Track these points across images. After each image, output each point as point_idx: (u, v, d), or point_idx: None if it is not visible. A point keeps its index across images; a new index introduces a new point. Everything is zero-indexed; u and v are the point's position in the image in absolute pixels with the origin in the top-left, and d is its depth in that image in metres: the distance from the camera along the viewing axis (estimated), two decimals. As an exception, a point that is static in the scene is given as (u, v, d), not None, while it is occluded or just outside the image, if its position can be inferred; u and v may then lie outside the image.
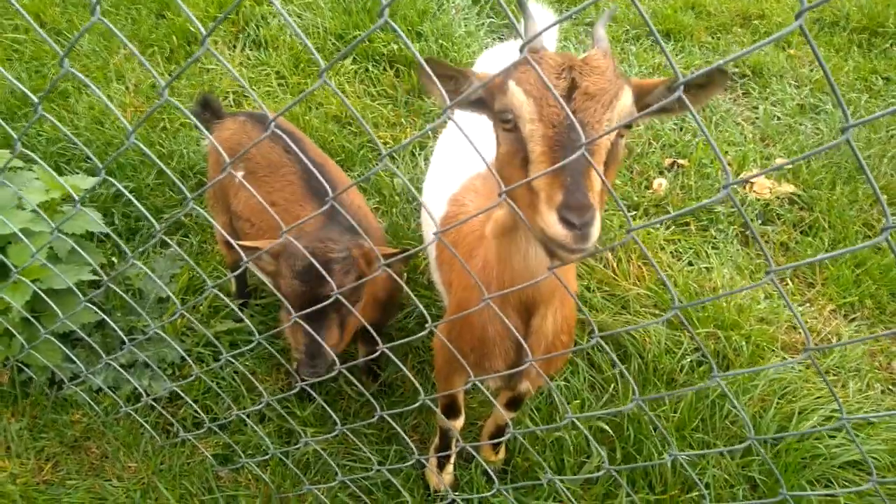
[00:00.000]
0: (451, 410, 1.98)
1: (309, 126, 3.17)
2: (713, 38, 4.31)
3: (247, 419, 1.97)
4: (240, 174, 2.17)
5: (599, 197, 1.08)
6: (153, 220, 1.47)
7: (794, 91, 3.87)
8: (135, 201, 1.37)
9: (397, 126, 3.33)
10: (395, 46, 3.66)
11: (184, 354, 1.83)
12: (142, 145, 1.23)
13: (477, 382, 1.48)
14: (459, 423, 2.02)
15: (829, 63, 4.08)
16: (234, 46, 3.73)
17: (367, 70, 3.60)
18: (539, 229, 1.11)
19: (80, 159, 2.94)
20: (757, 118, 3.66)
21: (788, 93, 3.84)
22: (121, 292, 1.76)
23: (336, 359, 1.49)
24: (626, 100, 1.14)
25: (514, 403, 2.00)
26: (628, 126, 1.15)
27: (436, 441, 2.10)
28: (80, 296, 1.78)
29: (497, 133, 1.26)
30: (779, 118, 3.64)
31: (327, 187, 1.20)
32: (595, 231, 1.05)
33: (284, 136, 1.43)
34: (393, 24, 0.92)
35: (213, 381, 2.27)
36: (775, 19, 4.46)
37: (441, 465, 2.09)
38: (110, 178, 1.41)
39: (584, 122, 1.10)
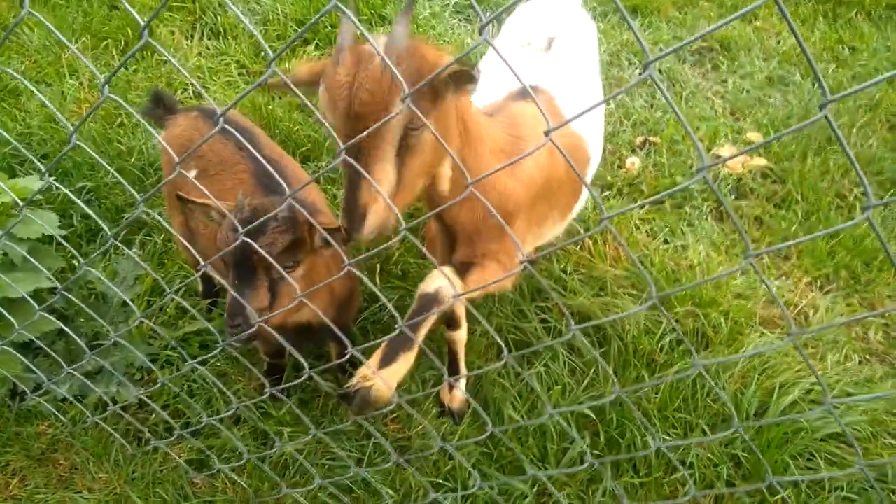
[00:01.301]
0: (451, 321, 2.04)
1: (272, 116, 3.07)
2: (680, 12, 4.27)
3: (219, 424, 1.91)
4: (192, 173, 2.08)
5: (392, 187, 1.23)
6: (106, 228, 1.39)
7: (763, 64, 3.85)
8: (84, 206, 1.29)
9: (364, 113, 3.25)
10: (358, 32, 3.56)
11: (146, 361, 1.75)
12: (85, 146, 1.15)
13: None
14: (459, 334, 2.09)
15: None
16: (192, 36, 3.60)
17: (331, 55, 3.50)
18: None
19: (31, 162, 2.82)
20: (726, 92, 3.64)
21: (757, 66, 3.83)
22: (78, 301, 1.67)
23: (254, 327, 1.46)
24: (398, 109, 1.18)
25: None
26: (416, 128, 1.24)
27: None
28: (35, 305, 1.70)
29: None
30: (748, 91, 3.63)
31: (283, 184, 1.13)
32: (367, 232, 1.25)
33: (235, 132, 1.36)
34: (343, 8, 0.86)
35: (184, 385, 2.19)
36: (745, -9, 4.44)
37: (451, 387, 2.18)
38: (55, 183, 1.33)
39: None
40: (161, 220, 1.34)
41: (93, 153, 1.16)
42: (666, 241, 2.77)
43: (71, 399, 2.09)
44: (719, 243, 2.78)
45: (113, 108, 3.11)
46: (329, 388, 1.98)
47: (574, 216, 2.10)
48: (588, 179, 2.14)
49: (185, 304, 1.76)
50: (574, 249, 2.59)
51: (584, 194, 2.07)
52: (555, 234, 2.08)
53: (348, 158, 1.10)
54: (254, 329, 1.47)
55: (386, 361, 1.36)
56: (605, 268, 2.52)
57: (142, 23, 0.92)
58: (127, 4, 1.00)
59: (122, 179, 1.19)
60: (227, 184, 2.06)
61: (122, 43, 3.46)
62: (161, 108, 2.23)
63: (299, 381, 1.51)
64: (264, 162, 1.18)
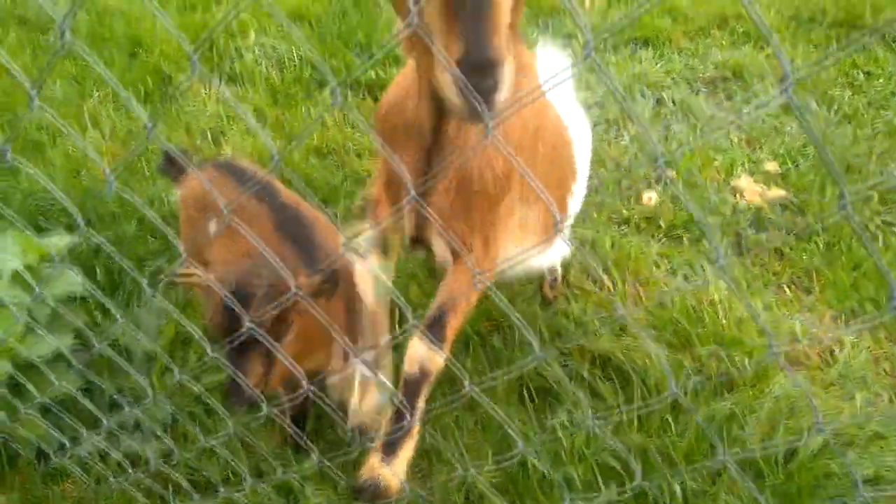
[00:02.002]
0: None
1: (289, 161, 3.11)
2: (691, 42, 4.29)
3: (244, 478, 1.91)
4: (212, 225, 2.12)
5: (512, 33, 0.92)
6: (145, 284, 1.41)
7: (777, 92, 3.84)
8: (120, 260, 1.31)
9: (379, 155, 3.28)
10: (373, 73, 3.61)
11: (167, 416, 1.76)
12: (124, 193, 1.17)
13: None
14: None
15: (810, 58, 4.07)
16: (210, 82, 3.68)
17: (346, 98, 3.55)
18: (435, 82, 0.95)
19: (58, 213, 2.88)
20: (741, 122, 3.64)
21: (771, 94, 3.83)
22: (111, 350, 1.69)
23: (258, 396, 1.46)
24: None
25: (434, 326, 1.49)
26: None
27: None
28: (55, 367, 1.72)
29: None
30: (763, 120, 3.61)
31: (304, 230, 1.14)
32: (502, 95, 0.88)
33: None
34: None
35: (206, 439, 2.20)
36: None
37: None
38: (91, 232, 1.35)
39: None
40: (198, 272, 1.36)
41: (134, 199, 1.18)
42: (686, 278, 2.75)
43: (92, 459, 2.10)
44: (740, 278, 2.76)
45: (135, 158, 3.17)
46: (341, 477, 1.97)
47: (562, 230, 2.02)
48: (577, 202, 2.10)
49: (210, 351, 1.77)
50: (593, 289, 2.58)
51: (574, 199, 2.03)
52: (537, 250, 1.87)
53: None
54: (255, 399, 1.48)
55: (388, 452, 1.35)
56: (626, 309, 2.51)
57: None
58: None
59: (160, 224, 1.21)
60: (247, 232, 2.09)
61: (143, 92, 3.54)
62: (175, 167, 2.27)
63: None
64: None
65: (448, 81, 0.89)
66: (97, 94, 3.52)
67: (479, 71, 0.84)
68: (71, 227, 2.79)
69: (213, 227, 2.14)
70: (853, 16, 4.34)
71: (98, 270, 2.66)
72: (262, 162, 3.11)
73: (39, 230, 2.78)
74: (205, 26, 3.96)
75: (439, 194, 1.39)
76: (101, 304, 2.58)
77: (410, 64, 1.42)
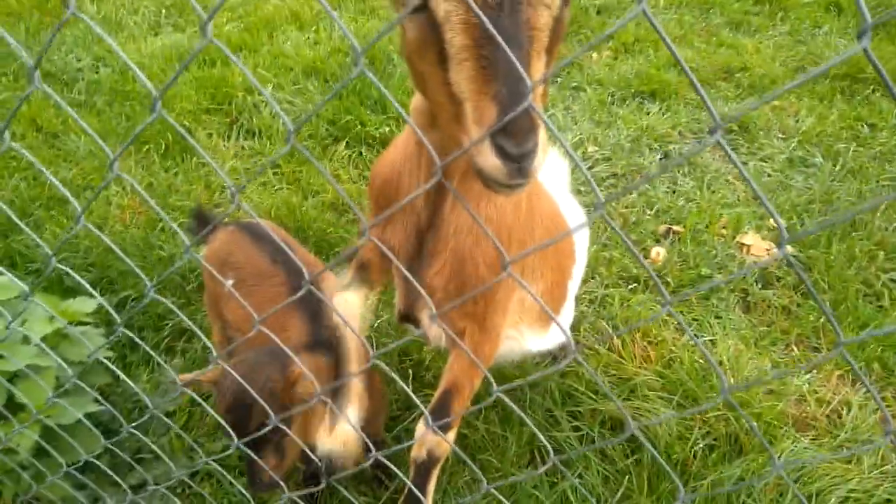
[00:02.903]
0: (363, 272, 1.65)
1: (306, 217, 3.19)
2: (697, 94, 4.37)
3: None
4: (229, 281, 2.19)
5: (542, 99, 0.90)
6: (159, 359, 1.48)
7: (783, 144, 3.92)
8: (131, 334, 1.38)
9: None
10: (387, 128, 3.71)
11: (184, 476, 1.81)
12: (124, 257, 1.23)
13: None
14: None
15: (814, 112, 4.15)
16: (229, 137, 3.79)
17: (360, 154, 3.65)
18: (468, 154, 0.88)
19: (81, 268, 2.96)
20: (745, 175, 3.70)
21: (776, 146, 3.90)
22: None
23: (279, 481, 1.54)
24: None
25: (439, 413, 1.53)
26: None
27: None
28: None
29: (404, 21, 0.98)
30: (769, 175, 3.68)
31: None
32: (538, 162, 0.84)
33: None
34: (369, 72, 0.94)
35: (223, 499, 2.25)
36: (757, 71, 4.54)
37: None
38: (106, 305, 1.42)
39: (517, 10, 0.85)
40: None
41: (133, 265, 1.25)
42: (695, 335, 2.79)
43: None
44: (748, 337, 2.80)
45: (155, 214, 3.26)
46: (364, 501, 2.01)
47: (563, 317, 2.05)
48: (575, 286, 2.14)
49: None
50: (603, 351, 2.62)
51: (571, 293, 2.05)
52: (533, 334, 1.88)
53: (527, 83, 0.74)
54: (276, 484, 1.55)
55: None
56: (635, 369, 2.55)
57: (180, 128, 1.01)
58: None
59: (173, 308, 1.27)
60: (264, 296, 2.16)
61: (163, 147, 3.65)
62: (202, 225, 2.35)
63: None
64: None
65: (484, 147, 0.83)
66: (119, 149, 3.63)
67: (518, 134, 0.81)
68: (95, 283, 2.88)
69: (229, 283, 2.22)
70: (857, 69, 4.43)
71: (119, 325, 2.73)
72: (280, 216, 3.20)
73: (63, 286, 2.87)
74: (223, 80, 4.09)
75: (434, 276, 1.41)
76: (123, 357, 2.65)
77: (406, 137, 1.44)
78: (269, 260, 2.11)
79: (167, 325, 2.72)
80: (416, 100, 1.21)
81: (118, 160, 0.98)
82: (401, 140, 1.48)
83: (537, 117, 0.82)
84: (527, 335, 1.80)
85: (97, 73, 4.28)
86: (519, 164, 0.82)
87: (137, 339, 1.43)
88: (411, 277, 1.07)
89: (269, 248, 2.13)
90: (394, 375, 1.18)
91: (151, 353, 1.52)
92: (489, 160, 0.84)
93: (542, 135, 0.83)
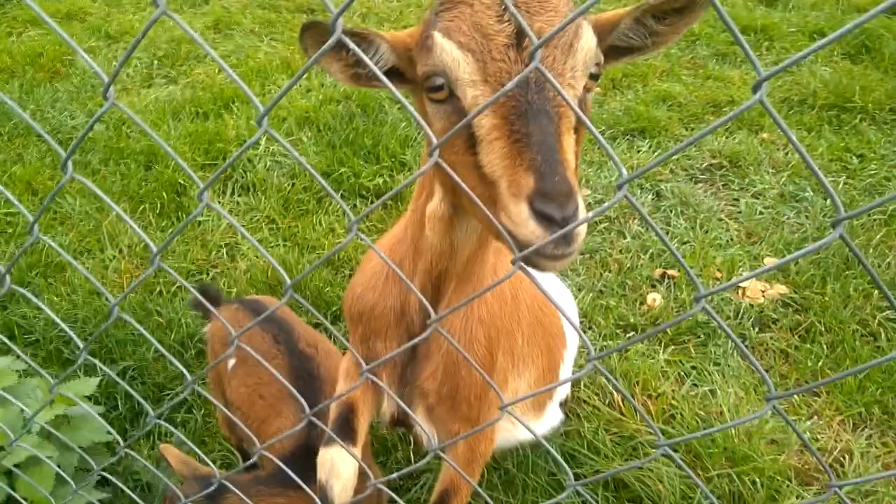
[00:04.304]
0: (344, 424, 1.51)
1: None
2: (687, 129, 4.42)
3: None
4: (231, 361, 2.20)
5: (575, 178, 0.85)
6: (150, 409, 1.47)
7: (773, 179, 3.95)
8: (131, 391, 1.38)
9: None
10: (381, 180, 3.74)
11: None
12: (128, 317, 1.24)
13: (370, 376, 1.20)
14: (353, 452, 1.42)
15: (804, 143, 4.18)
16: (224, 193, 3.81)
17: (355, 206, 3.67)
18: (505, 230, 0.83)
19: (80, 338, 2.95)
20: (739, 213, 3.73)
21: (767, 181, 3.93)
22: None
23: None
24: (588, 39, 0.90)
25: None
26: (596, 77, 0.94)
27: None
28: None
29: (426, 108, 0.98)
30: (761, 212, 3.70)
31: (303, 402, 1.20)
32: (583, 228, 0.81)
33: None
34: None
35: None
36: (745, 103, 4.57)
37: None
38: (107, 371, 1.42)
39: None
40: (207, 395, 1.42)
41: (136, 325, 1.25)
42: (695, 385, 2.80)
43: None
44: (748, 385, 2.80)
45: (151, 277, 3.27)
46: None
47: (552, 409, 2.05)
48: (567, 369, 2.12)
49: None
50: (603, 407, 2.63)
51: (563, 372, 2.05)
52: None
53: (557, 142, 0.77)
54: None
55: None
56: (636, 425, 2.55)
57: (200, 185, 1.01)
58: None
59: (174, 360, 1.28)
60: (263, 376, 2.16)
61: (158, 206, 3.67)
62: (207, 301, 2.37)
63: None
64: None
65: (523, 216, 0.79)
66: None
67: (558, 197, 0.77)
68: (94, 354, 2.88)
69: (231, 363, 2.23)
70: (843, 98, 4.48)
71: (119, 398, 2.73)
72: (276, 275, 3.21)
73: (61, 358, 2.87)
74: (217, 134, 4.12)
75: (426, 379, 1.41)
76: (124, 432, 2.65)
77: (393, 246, 1.40)
78: (271, 340, 2.11)
79: (167, 395, 2.72)
80: (432, 205, 1.18)
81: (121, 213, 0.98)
82: (375, 263, 1.48)
83: (575, 182, 0.81)
84: (521, 425, 1.80)
85: (91, 130, 4.30)
86: (562, 228, 0.78)
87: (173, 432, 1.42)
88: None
89: (271, 327, 2.14)
90: (395, 497, 1.18)
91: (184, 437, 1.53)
92: (531, 228, 0.79)
93: (582, 204, 0.80)
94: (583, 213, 0.80)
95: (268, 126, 0.79)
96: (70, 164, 1.07)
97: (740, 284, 3.25)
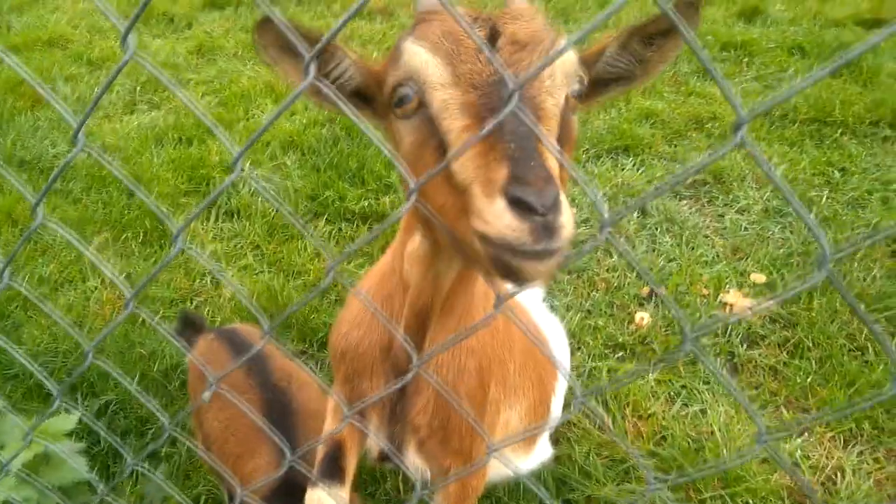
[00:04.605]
0: (332, 463, 1.48)
1: (289, 301, 3.17)
2: (670, 146, 4.44)
3: None
4: (206, 394, 2.15)
5: (556, 175, 0.74)
6: (127, 454, 1.44)
7: (757, 194, 3.97)
8: (109, 436, 1.34)
9: (376, 287, 3.34)
10: (366, 203, 3.72)
11: None
12: (103, 363, 1.21)
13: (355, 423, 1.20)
14: (341, 495, 1.44)
15: (786, 158, 4.21)
16: (207, 219, 3.77)
17: (340, 230, 3.65)
18: (479, 236, 0.73)
19: (61, 371, 2.91)
20: (724, 229, 3.74)
21: (752, 196, 3.94)
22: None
23: None
24: (567, 55, 0.86)
25: None
26: (578, 95, 0.89)
27: None
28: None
29: (394, 128, 0.92)
30: (746, 228, 3.72)
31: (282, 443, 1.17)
32: (567, 220, 0.70)
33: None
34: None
35: None
36: (727, 119, 4.62)
37: None
38: (86, 416, 1.39)
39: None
40: (189, 441, 1.38)
41: (115, 372, 1.22)
42: (685, 405, 2.79)
43: None
44: (739, 403, 2.79)
45: (135, 304, 3.22)
46: None
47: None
48: (559, 400, 2.10)
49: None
50: (594, 430, 2.61)
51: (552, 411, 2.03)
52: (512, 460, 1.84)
53: (523, 113, 0.66)
54: None
55: None
56: (628, 447, 2.53)
57: (174, 229, 0.99)
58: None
59: (154, 407, 1.24)
60: (237, 412, 2.11)
61: (141, 234, 3.63)
62: (189, 330, 2.33)
63: None
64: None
65: (497, 208, 0.70)
66: (97, 239, 3.61)
67: (536, 181, 0.69)
68: (75, 387, 2.83)
69: (205, 396, 2.17)
70: (824, 112, 4.53)
71: (102, 435, 2.68)
72: (261, 302, 3.17)
73: (42, 392, 2.81)
74: (201, 160, 4.09)
75: (417, 414, 1.38)
76: (106, 469, 2.59)
77: (374, 286, 1.38)
78: (244, 374, 2.07)
79: (150, 429, 2.67)
80: (412, 244, 1.14)
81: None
82: (349, 313, 1.45)
83: (555, 173, 0.71)
84: (511, 457, 1.78)
85: (59, 176, 4.26)
86: (543, 217, 0.68)
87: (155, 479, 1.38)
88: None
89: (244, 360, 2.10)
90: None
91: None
92: (505, 221, 0.69)
93: (564, 198, 0.71)
94: (566, 208, 0.70)
95: (242, 168, 0.77)
96: (40, 208, 1.05)
97: (726, 301, 3.25)
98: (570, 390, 2.35)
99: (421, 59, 0.84)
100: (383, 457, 1.54)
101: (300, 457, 1.16)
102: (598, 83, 0.98)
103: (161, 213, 0.79)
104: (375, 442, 1.45)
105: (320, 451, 1.48)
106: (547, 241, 0.68)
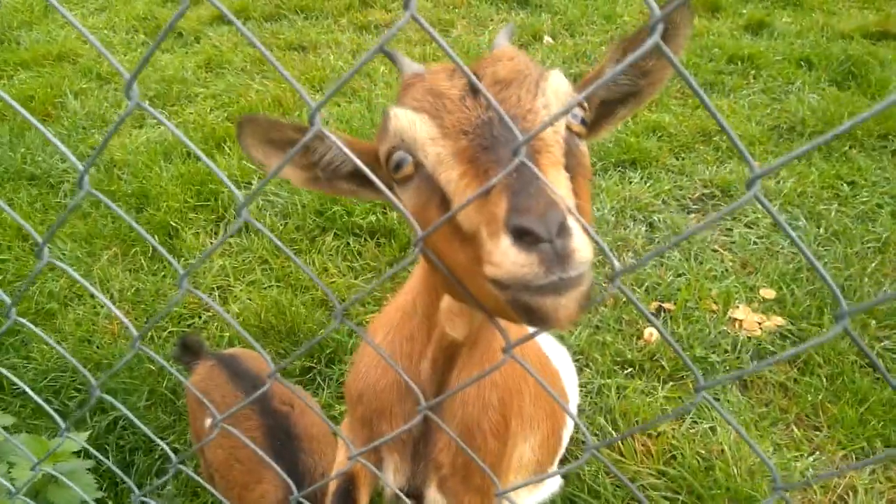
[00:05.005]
0: (344, 497, 1.48)
1: (297, 317, 3.17)
2: (678, 159, 4.43)
3: None
4: (207, 421, 2.13)
5: (582, 214, 0.72)
6: (134, 488, 1.43)
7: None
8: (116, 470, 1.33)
9: (383, 302, 3.35)
10: (374, 217, 3.73)
11: None
12: (111, 399, 1.20)
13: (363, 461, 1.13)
14: None
15: (795, 172, 4.20)
16: (216, 234, 3.79)
17: (348, 244, 3.65)
18: (493, 282, 0.69)
19: (70, 388, 2.91)
20: (733, 243, 3.72)
21: (760, 210, 3.93)
22: None
23: None
24: (558, 82, 0.84)
25: None
26: (583, 121, 0.87)
27: None
28: None
29: (399, 196, 0.90)
30: (755, 242, 3.70)
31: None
32: (580, 244, 0.65)
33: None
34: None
35: None
36: (735, 132, 4.60)
37: None
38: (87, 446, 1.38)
39: (509, 115, 0.78)
40: (194, 476, 1.37)
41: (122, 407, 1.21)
42: (695, 422, 2.77)
43: None
44: (749, 420, 2.77)
45: (144, 320, 3.24)
46: None
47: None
48: (569, 431, 2.07)
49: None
50: (602, 449, 2.59)
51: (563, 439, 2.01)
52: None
53: (524, 161, 0.65)
54: None
55: None
56: (636, 468, 2.51)
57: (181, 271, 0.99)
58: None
59: (155, 438, 1.23)
60: (239, 439, 2.09)
61: (150, 249, 3.64)
62: (188, 355, 2.32)
63: None
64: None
65: (501, 246, 0.65)
66: (106, 254, 3.62)
67: (536, 206, 0.64)
68: (83, 404, 2.83)
69: (207, 422, 2.16)
70: (832, 125, 4.51)
71: (109, 449, 2.68)
72: (269, 318, 3.17)
73: (51, 406, 2.82)
74: (209, 174, 4.11)
75: (440, 452, 1.36)
76: (115, 486, 2.59)
77: (400, 319, 1.35)
78: (244, 398, 2.06)
79: (158, 445, 2.67)
80: (446, 301, 1.11)
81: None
82: (380, 338, 1.42)
83: (561, 200, 0.66)
84: (522, 492, 1.77)
85: (67, 217, 4.28)
86: (551, 244, 0.63)
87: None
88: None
89: (244, 385, 2.09)
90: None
91: None
92: (511, 257, 0.64)
93: (574, 222, 0.66)
94: (578, 230, 0.65)
95: (248, 216, 0.77)
96: (46, 249, 1.05)
97: (735, 317, 3.23)
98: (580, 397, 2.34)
99: (406, 119, 0.83)
100: (397, 498, 1.52)
101: (307, 487, 1.16)
102: (606, 105, 0.96)
103: (168, 258, 0.79)
104: (391, 484, 1.43)
105: (332, 485, 1.47)
106: (560, 269, 0.64)
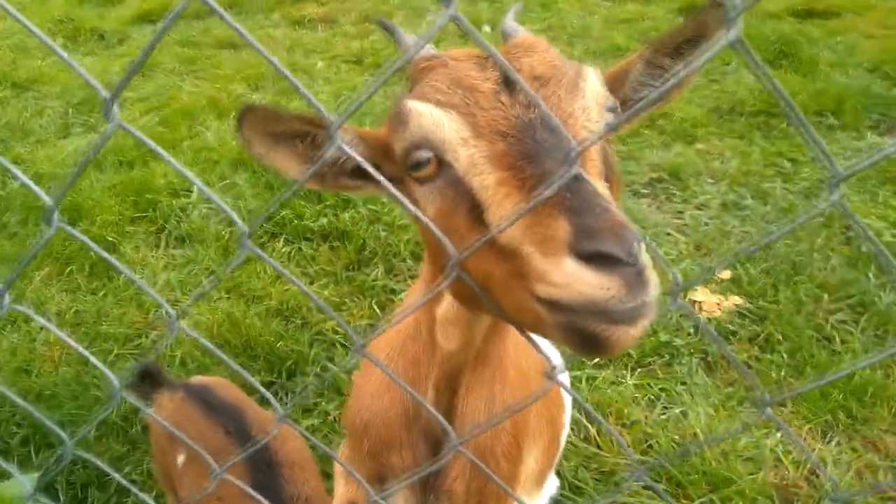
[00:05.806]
0: None
1: (252, 330, 3.03)
2: (624, 144, 4.46)
3: None
4: (180, 458, 1.99)
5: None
6: None
7: (713, 189, 4.01)
8: None
9: (343, 308, 3.23)
10: (325, 220, 3.60)
11: None
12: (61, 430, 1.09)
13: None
14: None
15: (737, 151, 4.28)
16: (157, 246, 3.59)
17: (300, 249, 3.52)
18: (546, 303, 0.63)
19: (11, 423, 2.70)
20: (685, 225, 3.76)
21: (708, 191, 3.99)
22: None
23: None
24: (593, 80, 0.78)
25: None
26: (613, 125, 0.80)
27: None
28: None
29: (412, 194, 0.82)
30: (707, 223, 3.75)
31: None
32: (651, 269, 0.62)
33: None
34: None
35: None
36: (677, 115, 4.67)
37: None
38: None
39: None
40: None
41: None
42: (666, 408, 2.77)
43: None
44: (717, 402, 2.79)
45: (85, 346, 3.03)
46: None
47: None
48: (565, 436, 2.05)
49: None
50: (580, 443, 2.56)
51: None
52: None
53: (581, 175, 0.60)
54: None
55: None
56: (615, 459, 2.49)
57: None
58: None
59: (110, 470, 1.12)
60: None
61: (87, 267, 3.42)
62: (147, 383, 2.16)
63: None
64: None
65: (568, 271, 0.59)
66: (39, 274, 3.38)
67: (608, 229, 0.59)
68: (28, 440, 2.63)
69: (180, 459, 2.02)
70: (770, 104, 4.63)
71: (59, 488, 2.50)
72: (223, 333, 3.02)
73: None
74: (144, 184, 3.89)
75: (453, 481, 1.28)
76: (67, 525, 2.42)
77: (403, 342, 1.28)
78: (223, 432, 1.93)
79: (111, 479, 2.50)
80: (443, 307, 1.04)
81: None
82: (370, 380, 1.35)
83: (621, 214, 0.62)
84: (524, 501, 1.71)
85: (4, 188, 4.00)
86: (634, 266, 0.60)
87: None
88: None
89: (221, 418, 1.96)
90: None
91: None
92: (589, 280, 0.58)
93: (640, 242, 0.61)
94: (645, 253, 0.62)
95: (251, 245, 0.67)
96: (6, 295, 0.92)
97: (695, 299, 3.26)
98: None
99: (432, 118, 0.74)
100: None
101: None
102: (625, 106, 0.90)
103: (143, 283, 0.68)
104: None
105: None
106: (644, 293, 0.61)
